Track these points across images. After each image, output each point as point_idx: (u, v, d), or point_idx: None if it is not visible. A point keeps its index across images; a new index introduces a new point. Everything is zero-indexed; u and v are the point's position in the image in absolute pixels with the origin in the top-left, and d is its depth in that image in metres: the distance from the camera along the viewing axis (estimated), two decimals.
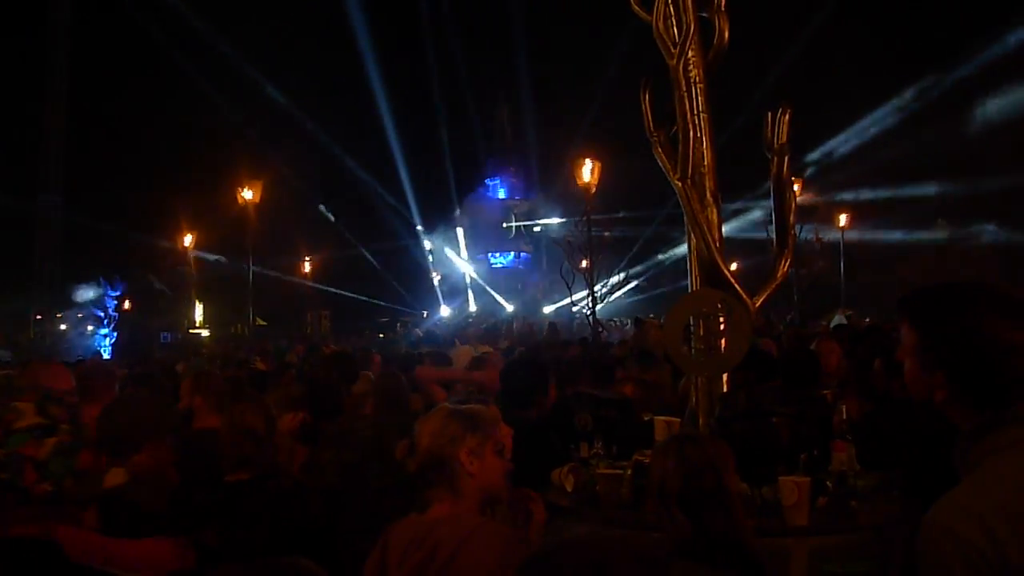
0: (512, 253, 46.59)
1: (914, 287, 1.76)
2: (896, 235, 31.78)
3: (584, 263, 17.26)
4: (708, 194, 3.89)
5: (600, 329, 17.09)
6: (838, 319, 17.14)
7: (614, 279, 20.58)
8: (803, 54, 29.12)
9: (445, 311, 39.21)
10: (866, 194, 30.60)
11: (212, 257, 29.89)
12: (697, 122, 3.85)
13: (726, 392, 3.76)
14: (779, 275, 4.01)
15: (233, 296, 27.77)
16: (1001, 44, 27.27)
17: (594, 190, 17.45)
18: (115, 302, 28.68)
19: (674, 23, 3.89)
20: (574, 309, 20.24)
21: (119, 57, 33.54)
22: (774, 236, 4.10)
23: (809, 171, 26.87)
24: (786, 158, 3.98)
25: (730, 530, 2.22)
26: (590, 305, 16.30)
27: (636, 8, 3.96)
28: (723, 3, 3.98)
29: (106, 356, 24.12)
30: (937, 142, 27.48)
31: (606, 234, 21.36)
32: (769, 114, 3.98)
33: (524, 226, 45.32)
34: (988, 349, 1.55)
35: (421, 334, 18.09)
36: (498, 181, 47.12)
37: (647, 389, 5.11)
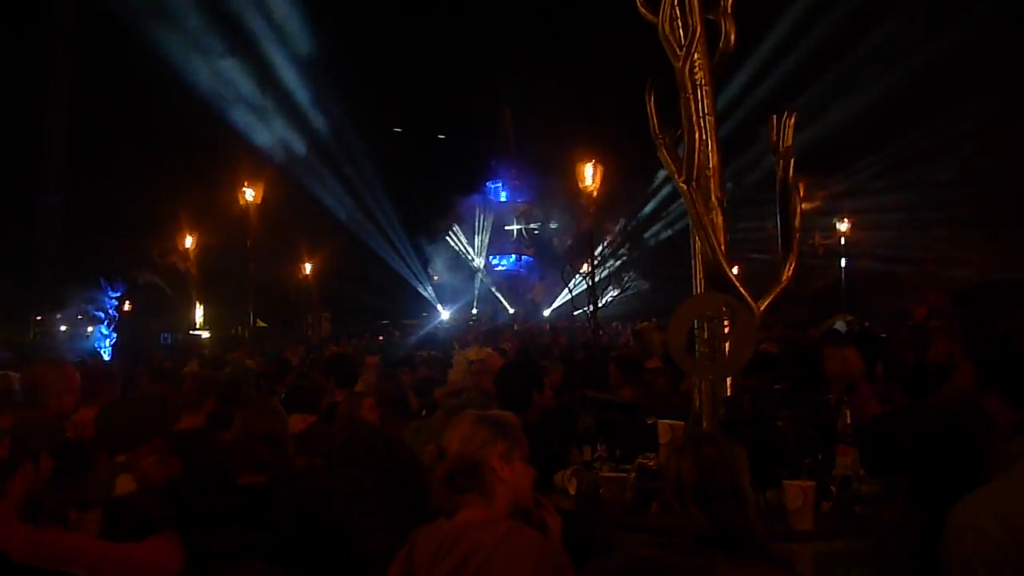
0: (513, 256, 46.53)
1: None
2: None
3: (585, 266, 17.27)
4: (713, 197, 3.88)
5: (600, 332, 17.07)
6: (839, 326, 17.08)
7: (614, 291, 20.57)
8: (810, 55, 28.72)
9: (445, 315, 39.13)
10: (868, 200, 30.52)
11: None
12: (703, 124, 3.84)
13: (730, 395, 3.74)
14: (784, 279, 3.99)
15: (233, 297, 27.77)
16: None
17: (596, 193, 17.46)
18: (115, 302, 28.61)
19: (680, 25, 3.89)
20: (575, 312, 20.22)
21: (120, 57, 33.52)
22: (779, 240, 4.09)
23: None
24: (791, 161, 3.98)
25: (744, 526, 2.24)
26: (591, 307, 16.29)
27: (642, 10, 3.95)
28: (730, 5, 3.97)
29: (106, 356, 24.06)
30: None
31: (607, 236, 21.37)
32: (774, 117, 3.97)
33: (526, 229, 45.28)
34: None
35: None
36: (500, 184, 47.10)
37: (646, 393, 5.10)
